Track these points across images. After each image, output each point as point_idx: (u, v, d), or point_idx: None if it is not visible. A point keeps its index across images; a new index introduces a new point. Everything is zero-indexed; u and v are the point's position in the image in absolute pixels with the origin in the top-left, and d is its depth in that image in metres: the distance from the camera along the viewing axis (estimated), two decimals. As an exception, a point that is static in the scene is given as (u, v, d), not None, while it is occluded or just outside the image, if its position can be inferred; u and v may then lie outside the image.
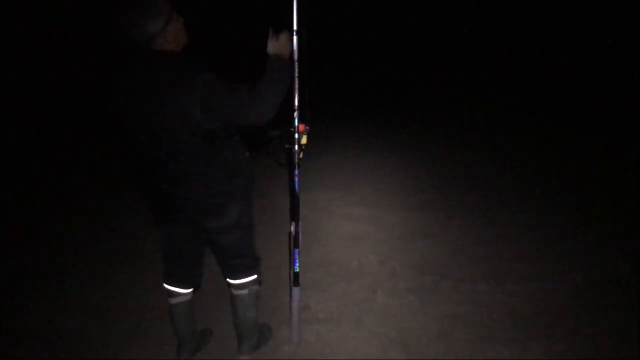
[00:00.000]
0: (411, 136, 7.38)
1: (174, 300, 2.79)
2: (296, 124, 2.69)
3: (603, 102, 9.20)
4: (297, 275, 2.87)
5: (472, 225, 4.44)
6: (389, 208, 4.83)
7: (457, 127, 7.84)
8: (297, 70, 2.69)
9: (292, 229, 2.81)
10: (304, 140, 2.73)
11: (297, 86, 2.71)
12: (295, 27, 2.66)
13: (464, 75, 12.49)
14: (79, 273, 3.84)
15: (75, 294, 3.57)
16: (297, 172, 2.78)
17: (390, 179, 5.61)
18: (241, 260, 2.72)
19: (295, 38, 2.67)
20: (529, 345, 2.94)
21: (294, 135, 2.69)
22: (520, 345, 2.95)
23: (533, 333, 3.04)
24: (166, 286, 2.78)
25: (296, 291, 2.87)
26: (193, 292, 2.83)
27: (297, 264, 2.87)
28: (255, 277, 2.79)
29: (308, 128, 2.76)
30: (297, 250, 2.85)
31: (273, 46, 2.44)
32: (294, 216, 2.82)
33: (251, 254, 2.76)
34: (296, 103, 2.73)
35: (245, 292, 2.78)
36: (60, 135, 7.76)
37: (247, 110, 2.24)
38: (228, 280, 2.80)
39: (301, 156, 2.78)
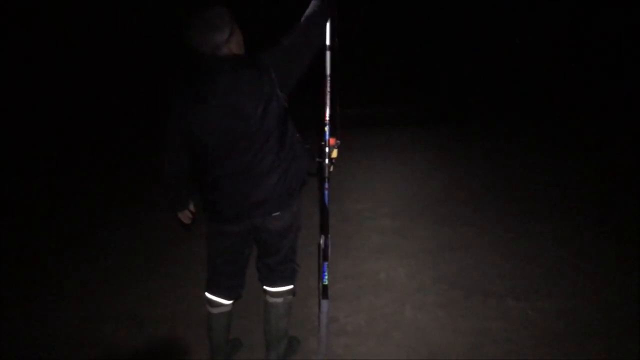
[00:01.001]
0: (442, 138, 7.35)
1: (214, 310, 2.83)
2: (327, 137, 2.73)
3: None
4: (325, 287, 2.88)
5: (503, 239, 4.39)
6: (419, 220, 4.82)
7: (489, 134, 7.77)
8: (328, 84, 2.73)
9: (322, 241, 2.83)
10: (334, 154, 2.76)
11: (327, 100, 2.75)
12: (327, 42, 2.71)
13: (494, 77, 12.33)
14: (108, 280, 3.94)
15: (105, 302, 3.66)
16: (326, 185, 2.81)
17: (420, 189, 5.59)
18: (286, 266, 2.80)
19: (328, 53, 2.72)
20: (558, 363, 2.91)
21: (324, 149, 2.72)
22: (549, 362, 2.92)
23: (562, 351, 3.00)
24: (208, 295, 2.82)
25: (324, 303, 2.88)
26: (233, 303, 2.88)
27: (326, 277, 2.89)
28: (291, 286, 2.85)
29: (339, 142, 2.79)
30: (325, 263, 2.87)
31: None
32: (323, 229, 2.84)
33: (295, 259, 2.85)
34: (327, 117, 2.77)
35: (280, 300, 2.82)
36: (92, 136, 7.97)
37: (309, 41, 2.47)
38: (265, 287, 2.84)
39: (331, 169, 2.81)
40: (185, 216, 2.82)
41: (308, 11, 2.56)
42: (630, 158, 6.55)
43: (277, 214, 2.60)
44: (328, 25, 2.69)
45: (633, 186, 5.56)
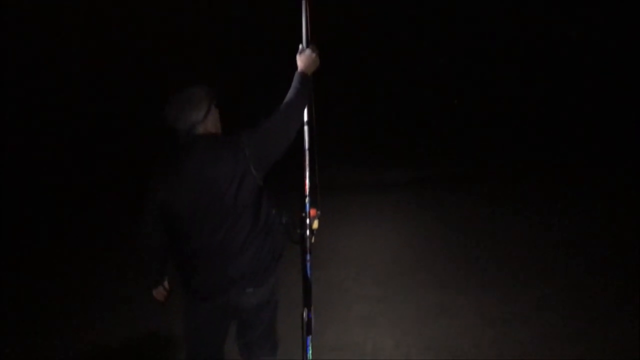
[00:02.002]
0: (420, 195, 7.41)
1: None
2: (307, 209, 2.77)
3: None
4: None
5: (488, 303, 4.38)
6: (403, 285, 4.80)
7: (471, 197, 7.86)
8: (307, 159, 2.80)
9: (304, 314, 2.81)
10: (315, 225, 2.79)
11: (307, 174, 2.81)
12: (306, 118, 2.80)
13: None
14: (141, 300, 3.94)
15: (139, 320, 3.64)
16: (308, 256, 2.82)
17: (403, 253, 5.60)
18: (266, 341, 2.76)
19: (306, 128, 2.81)
20: None
21: (305, 220, 2.75)
22: None
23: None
24: None
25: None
26: None
27: (310, 351, 2.85)
28: None
29: (319, 212, 2.83)
30: (309, 337, 2.83)
31: (302, 61, 2.74)
32: (306, 302, 2.83)
33: (275, 334, 2.81)
34: (307, 189, 2.82)
35: None
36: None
37: (287, 125, 2.55)
38: None
39: (312, 240, 2.83)
40: (159, 293, 2.78)
41: (289, 95, 2.65)
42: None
43: (251, 290, 2.58)
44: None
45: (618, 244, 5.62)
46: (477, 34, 13.79)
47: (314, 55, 2.75)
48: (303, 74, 2.71)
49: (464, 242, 5.84)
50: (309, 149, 2.83)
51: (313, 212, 2.79)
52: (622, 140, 10.18)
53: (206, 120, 2.51)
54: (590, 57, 12.70)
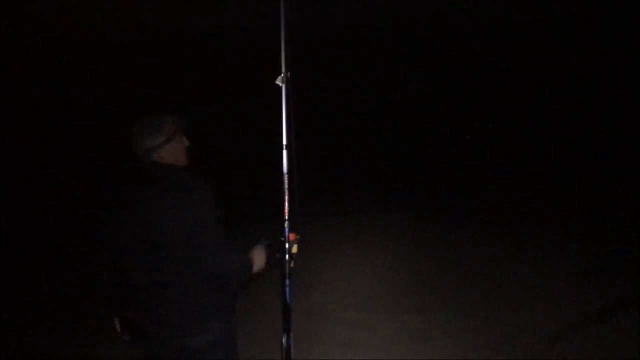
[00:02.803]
0: (406, 226, 7.42)
1: None
2: (287, 233, 2.75)
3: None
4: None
5: (470, 328, 4.37)
6: (386, 310, 4.77)
7: (452, 214, 7.88)
8: (286, 182, 2.79)
9: (284, 340, 2.77)
10: (295, 249, 2.77)
11: (287, 197, 2.80)
12: (285, 142, 2.80)
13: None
14: None
15: None
16: (287, 281, 2.79)
17: (386, 278, 5.58)
18: None
19: (285, 152, 2.81)
20: None
21: (285, 245, 2.73)
22: None
23: None
24: None
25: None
26: None
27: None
28: None
29: (299, 237, 2.81)
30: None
31: (257, 261, 2.60)
32: (286, 327, 2.79)
33: None
34: (286, 214, 2.80)
35: None
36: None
37: (211, 256, 2.36)
38: None
39: (292, 265, 2.81)
40: (117, 325, 2.61)
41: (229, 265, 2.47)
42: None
43: (191, 337, 2.42)
44: (284, 120, 2.80)
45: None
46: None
47: (263, 253, 2.65)
48: (250, 267, 2.57)
49: (448, 268, 5.84)
50: (288, 172, 2.83)
51: (292, 236, 2.77)
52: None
53: (163, 149, 2.39)
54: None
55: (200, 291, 2.40)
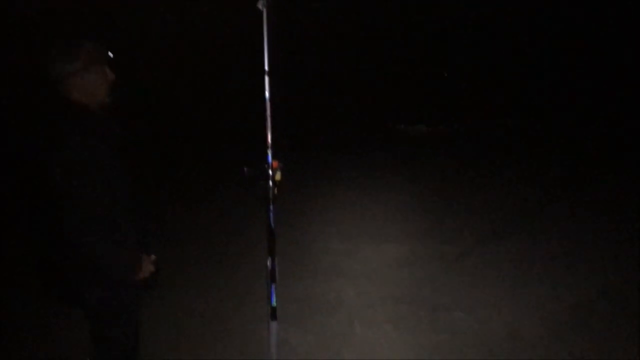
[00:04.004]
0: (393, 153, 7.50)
1: None
2: (270, 160, 2.77)
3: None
4: (274, 309, 2.89)
5: (452, 255, 4.51)
6: (367, 239, 4.89)
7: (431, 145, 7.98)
8: (268, 108, 2.79)
9: (268, 263, 2.85)
10: (278, 177, 2.80)
11: (269, 123, 2.80)
12: (266, 68, 2.77)
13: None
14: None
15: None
16: (271, 207, 2.84)
17: (369, 209, 5.68)
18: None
19: (266, 77, 2.78)
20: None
21: (268, 172, 2.76)
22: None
23: (506, 358, 3.10)
24: None
25: (273, 325, 2.89)
26: None
27: (274, 298, 2.90)
28: None
29: (282, 164, 2.84)
30: (273, 285, 2.88)
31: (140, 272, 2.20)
32: (270, 251, 2.86)
33: None
34: (269, 140, 2.81)
35: None
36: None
37: (74, 234, 1.98)
38: None
39: (276, 192, 2.85)
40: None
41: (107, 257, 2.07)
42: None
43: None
44: (265, 46, 2.76)
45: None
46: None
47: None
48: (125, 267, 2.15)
49: (431, 198, 5.96)
50: (270, 98, 2.81)
51: (275, 163, 2.79)
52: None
53: (76, 78, 2.04)
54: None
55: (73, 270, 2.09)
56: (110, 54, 2.17)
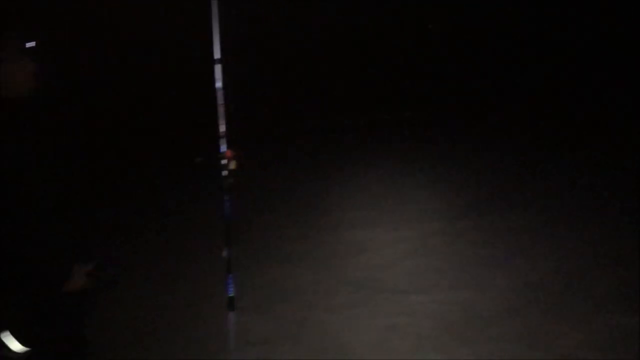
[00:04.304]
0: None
1: None
2: (223, 150, 2.76)
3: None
4: (232, 299, 2.90)
5: (407, 237, 4.58)
6: (325, 225, 4.93)
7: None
8: (221, 97, 2.77)
9: (225, 253, 2.85)
10: (233, 165, 2.79)
11: (222, 113, 2.78)
12: (218, 56, 2.75)
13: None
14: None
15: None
16: (227, 196, 2.84)
17: (327, 194, 5.71)
18: None
19: (219, 66, 2.76)
20: (459, 350, 3.08)
21: (220, 161, 2.75)
22: (451, 350, 3.09)
23: (462, 338, 3.19)
24: None
25: (232, 315, 2.90)
26: None
27: (232, 288, 2.90)
28: None
29: (236, 153, 2.83)
30: (230, 275, 2.89)
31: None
32: (227, 241, 2.86)
33: None
34: (222, 129, 2.80)
35: None
36: None
37: None
38: None
39: (231, 181, 2.84)
40: None
41: None
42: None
43: None
44: (217, 36, 2.73)
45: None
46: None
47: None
48: None
49: (392, 183, 6.00)
50: (224, 87, 2.79)
51: (229, 152, 2.78)
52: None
53: None
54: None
55: None
56: (31, 44, 2.00)
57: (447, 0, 13.37)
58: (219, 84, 2.73)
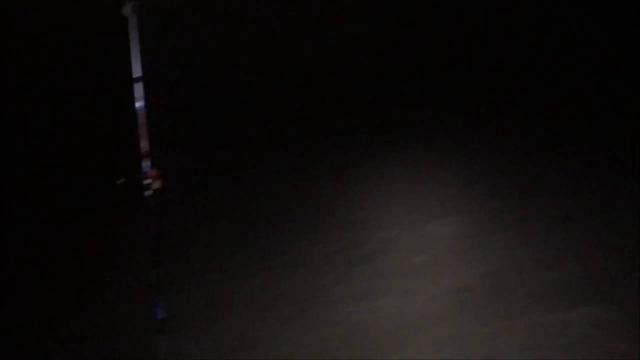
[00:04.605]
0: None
1: None
2: (146, 170, 2.70)
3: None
4: (162, 322, 2.83)
5: (341, 248, 4.63)
6: (257, 235, 4.92)
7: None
8: (144, 116, 2.71)
9: (152, 274, 2.79)
10: (156, 185, 2.73)
11: (145, 131, 2.72)
12: (140, 74, 2.69)
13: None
14: None
15: None
16: (152, 217, 2.78)
17: (255, 204, 5.69)
18: None
19: (140, 84, 2.70)
20: (392, 357, 3.15)
21: (142, 182, 2.69)
22: (384, 358, 3.15)
23: (396, 345, 3.26)
24: None
25: (162, 339, 2.83)
26: None
27: (161, 311, 2.84)
28: None
29: (160, 172, 2.77)
30: (159, 297, 2.82)
31: None
32: (154, 262, 2.80)
33: None
34: (147, 148, 2.74)
35: None
36: None
37: None
38: None
39: (157, 200, 2.78)
40: None
41: None
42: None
43: None
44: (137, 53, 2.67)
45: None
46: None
47: None
48: None
49: (317, 192, 6.04)
50: (147, 105, 2.74)
51: (153, 173, 2.72)
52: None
53: None
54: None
55: None
56: None
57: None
58: (140, 103, 2.68)
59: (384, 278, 4.08)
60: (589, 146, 6.58)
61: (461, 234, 4.77)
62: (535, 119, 7.87)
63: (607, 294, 3.59)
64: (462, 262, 4.27)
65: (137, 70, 2.68)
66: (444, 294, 3.81)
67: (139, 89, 2.71)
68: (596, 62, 10.47)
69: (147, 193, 2.70)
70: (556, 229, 4.54)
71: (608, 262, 3.96)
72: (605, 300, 3.50)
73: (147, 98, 2.72)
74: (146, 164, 2.72)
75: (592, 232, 4.40)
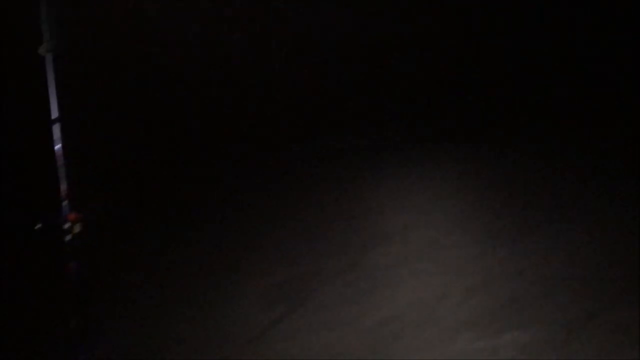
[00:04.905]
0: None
1: None
2: (65, 213, 2.60)
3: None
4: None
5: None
6: (177, 279, 4.82)
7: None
8: (62, 154, 2.62)
9: (74, 323, 2.66)
10: (77, 229, 2.63)
11: (64, 173, 2.63)
12: (56, 114, 2.61)
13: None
14: None
15: None
16: (73, 262, 2.66)
17: (178, 246, 5.58)
18: None
19: (58, 124, 2.62)
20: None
21: (62, 227, 2.59)
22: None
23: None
24: None
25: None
26: None
27: (84, 358, 2.71)
28: None
29: (81, 215, 2.67)
30: (82, 345, 2.70)
31: None
32: (75, 309, 2.68)
33: None
34: (64, 190, 2.64)
35: None
36: None
37: None
38: None
39: (77, 244, 2.68)
40: None
41: None
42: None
43: None
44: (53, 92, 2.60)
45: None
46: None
47: None
48: None
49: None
50: (64, 147, 2.65)
51: (72, 216, 2.62)
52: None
53: None
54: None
55: None
56: None
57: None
58: (58, 145, 2.59)
59: (317, 311, 4.09)
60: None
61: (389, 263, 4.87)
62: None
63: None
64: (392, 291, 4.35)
65: (55, 111, 2.60)
66: (374, 325, 3.86)
67: (56, 130, 2.63)
68: (597, 69, 10.93)
69: (67, 237, 2.59)
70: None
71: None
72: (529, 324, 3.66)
73: (64, 139, 2.63)
74: (65, 207, 2.62)
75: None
